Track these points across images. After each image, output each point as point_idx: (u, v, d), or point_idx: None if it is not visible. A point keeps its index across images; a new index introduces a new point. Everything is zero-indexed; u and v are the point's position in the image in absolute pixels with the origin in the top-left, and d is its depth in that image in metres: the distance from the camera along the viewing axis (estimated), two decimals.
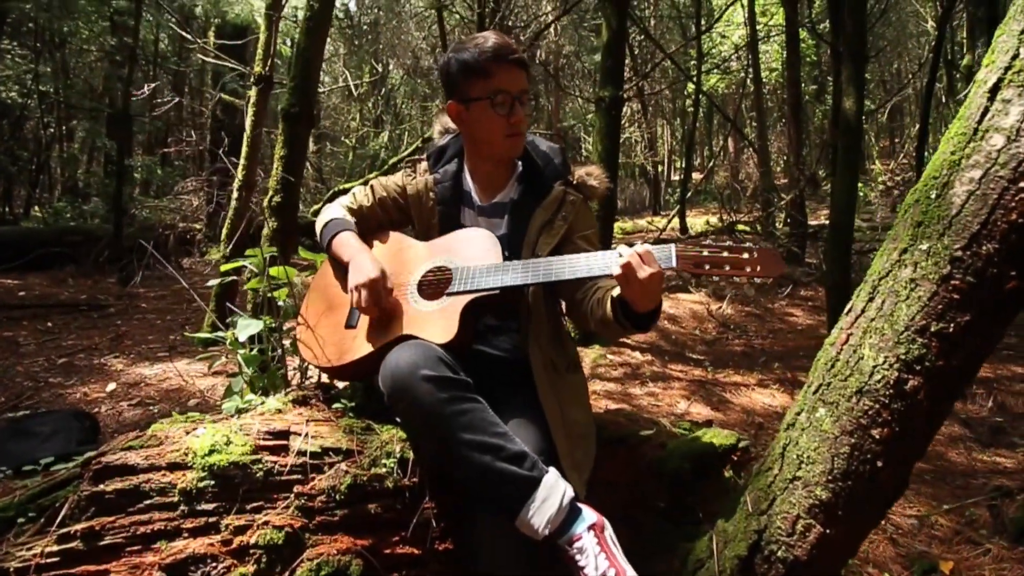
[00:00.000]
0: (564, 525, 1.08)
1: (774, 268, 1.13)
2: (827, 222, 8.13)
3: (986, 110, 0.83)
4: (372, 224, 1.56)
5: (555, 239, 1.41)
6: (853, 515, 0.99)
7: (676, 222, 8.83)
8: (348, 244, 1.45)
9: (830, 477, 0.98)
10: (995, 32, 0.86)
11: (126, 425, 2.64)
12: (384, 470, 1.22)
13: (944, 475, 2.54)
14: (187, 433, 1.19)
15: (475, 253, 1.37)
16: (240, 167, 3.93)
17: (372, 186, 1.57)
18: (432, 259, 1.42)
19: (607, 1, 4.35)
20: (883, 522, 1.92)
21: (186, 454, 1.13)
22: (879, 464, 0.94)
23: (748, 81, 9.07)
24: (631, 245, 1.19)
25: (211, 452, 1.13)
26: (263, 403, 1.41)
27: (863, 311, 0.97)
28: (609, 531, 1.11)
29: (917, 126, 11.37)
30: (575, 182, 1.48)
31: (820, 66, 10.97)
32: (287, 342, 1.65)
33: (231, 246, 3.81)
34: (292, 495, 1.15)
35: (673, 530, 1.53)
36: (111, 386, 3.09)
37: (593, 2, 7.22)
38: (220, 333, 1.71)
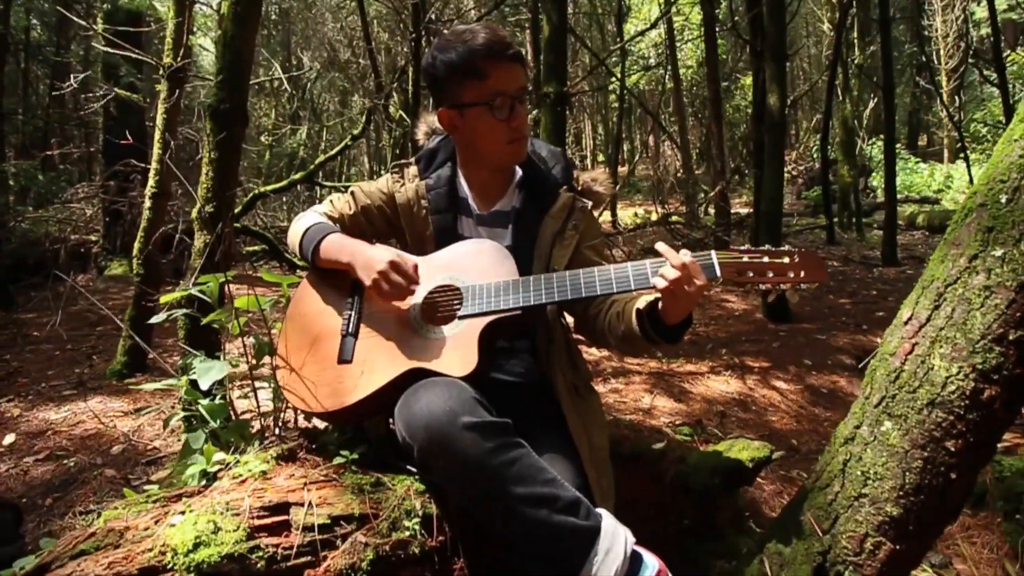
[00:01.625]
0: (630, 575, 0.98)
1: (818, 273, 1.07)
2: (748, 211, 8.67)
3: None
4: (353, 235, 1.35)
5: (569, 250, 1.29)
6: (924, 529, 0.96)
7: (607, 215, 9.01)
8: (344, 244, 1.25)
9: (901, 493, 0.95)
10: None
11: (36, 489, 2.21)
12: (407, 533, 1.05)
13: None
14: (156, 522, 0.94)
15: (486, 269, 1.21)
16: (152, 172, 3.46)
17: (353, 193, 1.38)
18: (434, 277, 1.25)
19: None
20: None
21: (163, 553, 0.89)
22: (952, 476, 0.92)
23: (667, 78, 9.42)
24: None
25: (196, 546, 0.90)
26: (240, 464, 1.17)
27: (928, 319, 0.94)
28: (668, 574, 1.02)
29: (814, 119, 12.38)
30: (580, 188, 1.36)
31: (729, 64, 11.62)
32: (259, 383, 1.41)
33: (142, 261, 3.36)
34: None
35: (696, 546, 1.49)
36: (9, 438, 2.59)
37: None
38: (171, 380, 1.43)
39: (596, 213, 1.56)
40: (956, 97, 10.06)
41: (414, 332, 1.20)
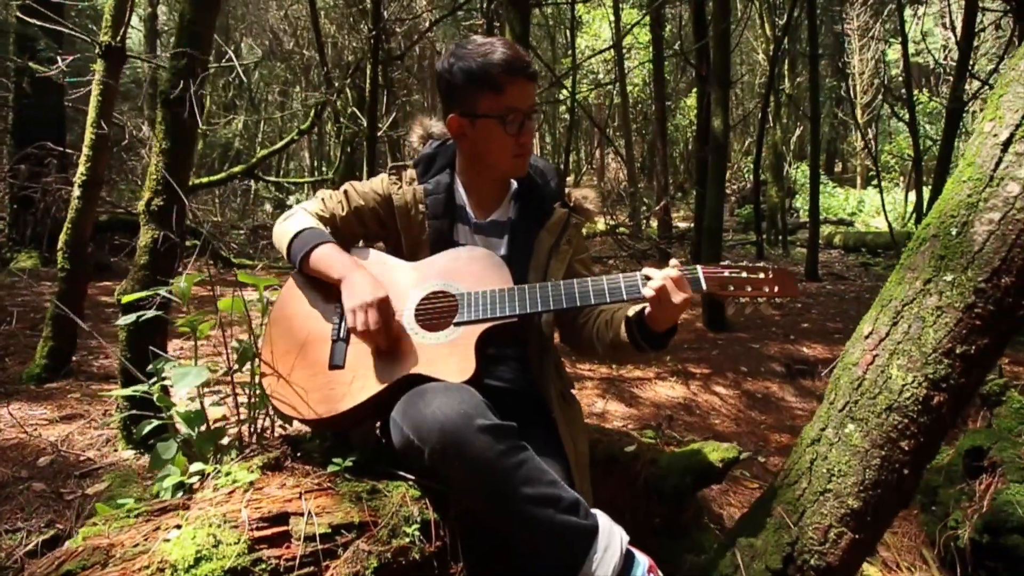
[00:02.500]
0: (624, 572, 1.03)
1: (791, 288, 1.18)
2: (687, 225, 9.13)
3: (1000, 160, 0.96)
4: (344, 237, 1.35)
5: (564, 264, 1.35)
6: (880, 520, 1.09)
7: None
8: (336, 259, 1.23)
9: (862, 488, 1.07)
10: (994, 92, 1.00)
11: None
12: (407, 540, 1.05)
13: None
14: (146, 538, 0.89)
15: (481, 276, 1.24)
16: (83, 158, 3.19)
17: (347, 193, 1.36)
18: (427, 283, 1.26)
19: (511, 5, 4.38)
20: None
21: (161, 569, 0.85)
22: (905, 472, 1.04)
23: (615, 94, 9.77)
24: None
25: (198, 561, 0.86)
26: (222, 475, 1.13)
27: (888, 334, 1.06)
28: (657, 571, 1.09)
29: (746, 142, 13.22)
30: (572, 204, 1.42)
31: (671, 84, 12.21)
32: (240, 389, 1.35)
33: (69, 255, 3.10)
34: None
35: (670, 544, 1.57)
36: None
37: (475, 3, 7.19)
38: (140, 386, 1.34)
39: None
40: (868, 129, 11.10)
41: (411, 337, 1.20)
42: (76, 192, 3.16)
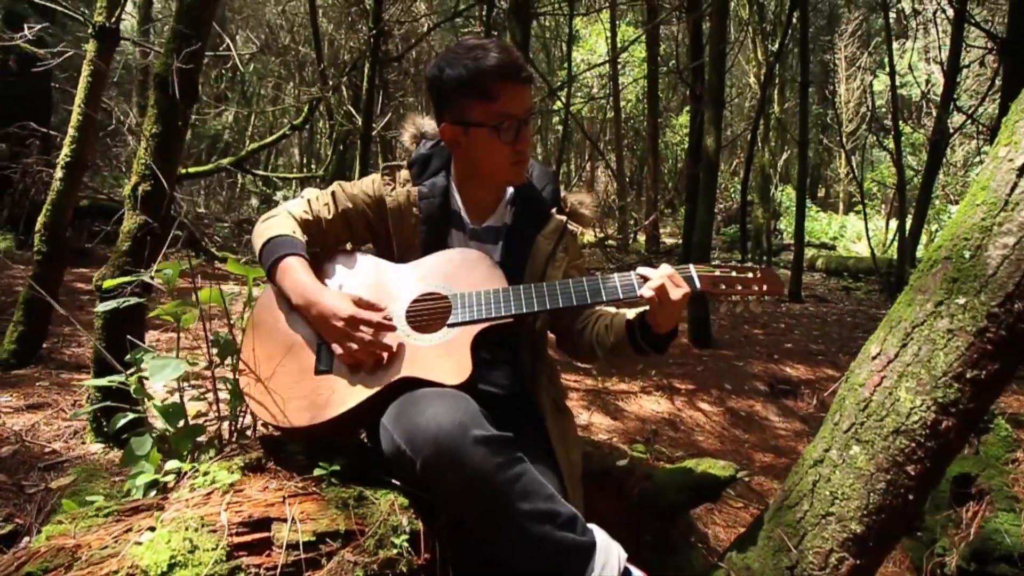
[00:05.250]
0: None
1: (778, 286, 1.20)
2: (674, 241, 9.22)
3: (1015, 184, 0.95)
4: (330, 240, 1.30)
5: (560, 271, 1.32)
6: (882, 545, 1.06)
7: None
8: (296, 281, 1.16)
9: (865, 512, 1.05)
10: (1008, 118, 1.00)
11: None
12: (395, 551, 0.99)
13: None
14: (115, 539, 0.83)
15: (474, 277, 1.20)
16: (68, 140, 3.09)
17: (334, 194, 1.31)
18: (418, 284, 1.22)
19: (512, 13, 4.39)
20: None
21: (131, 575, 0.78)
22: (910, 497, 1.03)
23: (608, 108, 9.86)
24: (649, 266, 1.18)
25: (172, 567, 0.80)
26: (200, 474, 1.06)
27: (896, 356, 1.05)
28: None
29: (734, 163, 13.44)
30: (568, 210, 1.39)
31: (663, 101, 12.38)
32: (222, 385, 1.29)
33: (46, 238, 2.99)
34: None
35: (656, 561, 1.54)
36: None
37: (471, 9, 7.21)
38: (116, 376, 1.27)
39: None
40: (853, 156, 11.38)
41: (400, 340, 1.15)
42: (58, 174, 3.06)
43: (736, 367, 4.59)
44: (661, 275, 1.13)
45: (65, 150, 3.09)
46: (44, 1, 3.39)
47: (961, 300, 0.99)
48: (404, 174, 1.33)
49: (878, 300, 7.33)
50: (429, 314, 1.19)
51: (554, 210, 1.35)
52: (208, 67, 11.07)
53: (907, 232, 6.67)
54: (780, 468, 2.93)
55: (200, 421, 1.26)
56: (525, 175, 1.30)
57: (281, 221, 1.24)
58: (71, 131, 3.08)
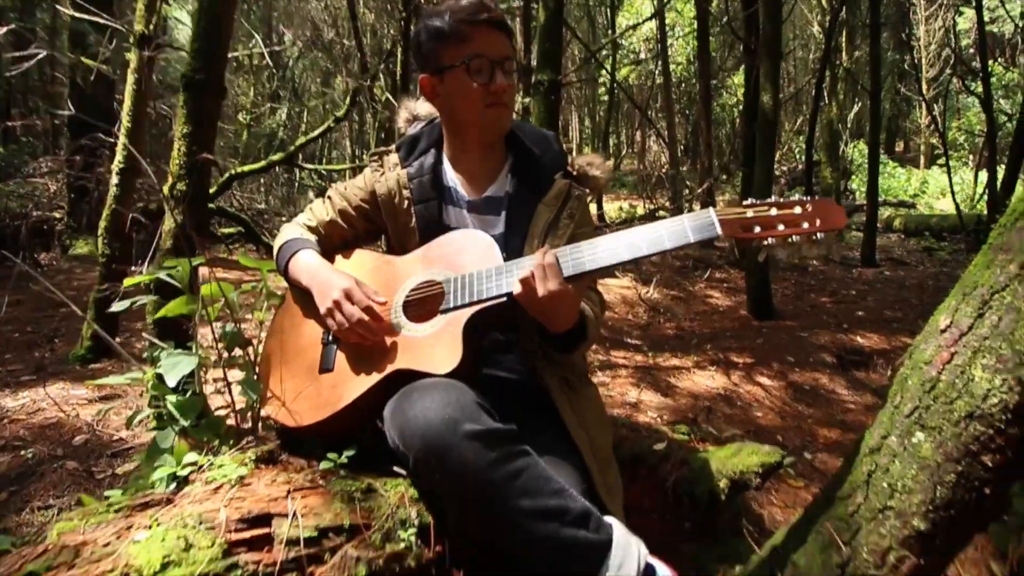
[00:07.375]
0: None
1: (835, 219, 0.97)
2: None
3: None
4: (336, 241, 1.31)
5: (563, 240, 1.21)
6: (951, 544, 0.92)
7: (593, 207, 8.97)
8: (306, 264, 1.21)
9: (931, 507, 0.91)
10: None
11: None
12: (402, 545, 0.96)
13: None
14: (118, 536, 0.83)
15: (467, 259, 1.14)
16: (120, 147, 3.26)
17: (330, 197, 1.31)
18: (416, 274, 1.18)
19: None
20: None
21: (125, 574, 0.78)
22: (986, 491, 0.88)
23: (657, 73, 9.38)
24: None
25: (165, 567, 0.79)
26: (215, 467, 1.07)
27: (971, 328, 0.89)
28: None
29: (798, 121, 12.52)
30: (575, 173, 1.28)
31: (717, 62, 11.65)
32: (232, 376, 1.29)
33: (108, 240, 3.18)
34: None
35: (697, 551, 1.44)
36: None
37: None
38: (133, 373, 1.31)
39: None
40: (935, 105, 10.28)
41: (396, 332, 1.12)
42: (114, 180, 3.24)
43: (800, 338, 4.29)
44: (532, 264, 1.01)
45: (118, 157, 3.27)
46: (98, 18, 3.56)
47: None
48: (392, 158, 1.30)
49: (965, 261, 6.64)
50: (424, 303, 1.15)
51: (559, 175, 1.25)
52: (259, 68, 11.47)
53: (998, 185, 5.96)
54: (847, 445, 2.71)
55: (221, 413, 1.27)
56: (506, 123, 1.23)
57: (290, 230, 1.31)
58: (122, 138, 3.25)
